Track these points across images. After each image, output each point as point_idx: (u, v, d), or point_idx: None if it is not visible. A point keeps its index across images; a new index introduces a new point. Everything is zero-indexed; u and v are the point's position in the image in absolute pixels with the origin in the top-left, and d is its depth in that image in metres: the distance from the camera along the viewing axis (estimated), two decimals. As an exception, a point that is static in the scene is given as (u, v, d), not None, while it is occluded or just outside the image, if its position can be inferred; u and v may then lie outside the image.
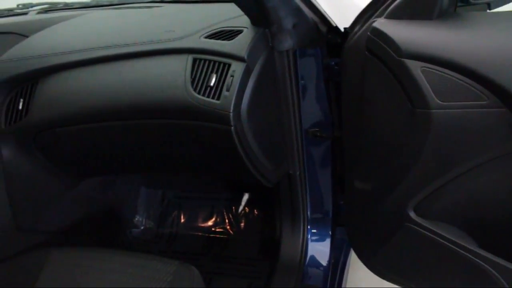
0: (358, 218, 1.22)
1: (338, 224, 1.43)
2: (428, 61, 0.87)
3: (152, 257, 1.19)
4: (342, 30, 1.11)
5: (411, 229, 1.03)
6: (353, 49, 1.04)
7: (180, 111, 1.11)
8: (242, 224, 1.82)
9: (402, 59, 0.88)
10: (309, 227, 1.42)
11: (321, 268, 1.41)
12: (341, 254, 1.49)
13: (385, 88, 0.95)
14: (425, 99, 0.87)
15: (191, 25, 1.22)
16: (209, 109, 1.07)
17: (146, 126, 1.20)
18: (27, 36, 1.40)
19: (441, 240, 1.01)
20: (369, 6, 1.03)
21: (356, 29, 1.05)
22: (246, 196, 1.82)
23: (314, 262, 1.42)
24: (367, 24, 1.01)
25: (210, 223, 1.86)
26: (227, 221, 1.84)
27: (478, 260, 0.98)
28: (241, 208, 1.82)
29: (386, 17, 0.96)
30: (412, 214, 1.02)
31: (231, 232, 1.83)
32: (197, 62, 1.12)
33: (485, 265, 0.97)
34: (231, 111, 1.05)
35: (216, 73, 1.09)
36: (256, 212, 1.82)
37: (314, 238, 1.42)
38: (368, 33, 0.95)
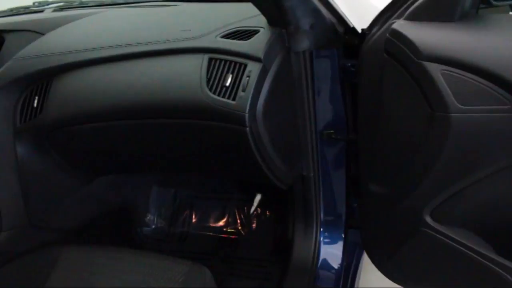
0: (372, 222, 1.21)
1: (351, 227, 1.42)
2: (449, 63, 0.85)
3: (164, 257, 1.19)
4: (360, 31, 1.10)
5: (427, 234, 1.02)
6: (371, 50, 1.03)
7: (195, 111, 1.10)
8: (254, 225, 1.81)
9: (422, 62, 0.87)
10: (321, 229, 1.41)
11: (333, 271, 1.40)
12: (353, 257, 1.47)
13: (404, 91, 0.93)
14: (445, 102, 0.85)
15: (207, 24, 1.21)
16: (225, 109, 1.06)
17: (160, 126, 1.19)
18: (42, 34, 1.41)
19: (458, 246, 0.99)
20: (387, 7, 1.02)
21: (374, 30, 1.04)
22: (258, 197, 1.81)
23: (326, 264, 1.40)
24: (385, 26, 1.00)
25: (221, 223, 1.85)
26: (238, 221, 1.83)
27: (495, 267, 0.96)
28: (253, 209, 1.81)
29: (406, 19, 0.95)
30: (428, 219, 1.00)
31: (242, 232, 1.82)
32: (213, 62, 1.11)
33: (503, 272, 0.96)
34: (247, 111, 1.04)
35: (232, 73, 1.08)
36: (268, 213, 1.81)
37: (326, 240, 1.41)
38: (387, 34, 0.94)
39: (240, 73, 1.07)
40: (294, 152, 1.27)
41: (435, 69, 0.86)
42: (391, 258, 1.16)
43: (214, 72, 1.10)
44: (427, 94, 0.88)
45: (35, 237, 1.41)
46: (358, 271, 1.48)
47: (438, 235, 1.00)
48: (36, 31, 1.42)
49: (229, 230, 1.84)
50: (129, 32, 1.30)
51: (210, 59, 1.11)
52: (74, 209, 1.53)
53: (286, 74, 1.15)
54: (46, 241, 1.43)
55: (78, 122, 1.26)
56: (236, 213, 1.84)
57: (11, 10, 1.73)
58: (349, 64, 1.16)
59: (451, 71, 0.85)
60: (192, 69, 1.12)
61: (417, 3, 0.94)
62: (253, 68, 1.06)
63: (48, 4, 1.71)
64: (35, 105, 1.29)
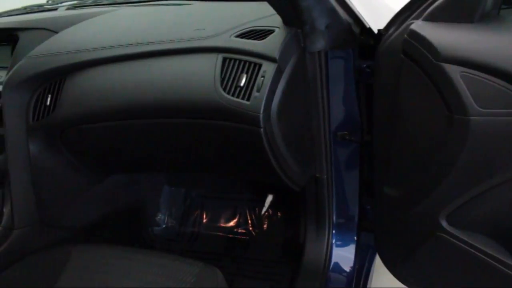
0: (386, 225, 1.19)
1: (363, 229, 1.41)
2: (468, 65, 0.83)
3: (175, 258, 1.18)
4: (376, 31, 1.09)
5: (443, 238, 1.00)
6: (387, 51, 1.02)
7: (208, 111, 1.09)
8: (265, 226, 1.80)
9: (441, 63, 0.85)
10: (334, 231, 1.40)
11: (345, 274, 1.39)
12: (365, 259, 1.46)
13: (421, 93, 0.92)
14: (464, 105, 0.84)
15: (221, 23, 1.20)
16: (238, 109, 1.05)
17: (173, 126, 1.18)
18: (56, 32, 1.41)
19: (474, 251, 0.98)
20: (405, 8, 1.00)
21: (391, 31, 1.03)
22: (269, 198, 1.80)
23: (338, 267, 1.39)
24: (403, 26, 0.99)
25: (232, 223, 1.85)
26: (249, 222, 1.83)
27: None
28: (264, 209, 1.80)
29: (424, 20, 0.93)
30: (444, 223, 0.99)
31: (253, 233, 1.81)
32: (227, 62, 1.10)
33: None
34: (261, 112, 1.03)
35: (247, 73, 1.07)
36: (279, 214, 1.80)
37: (338, 243, 1.40)
38: (405, 35, 0.92)
39: (255, 73, 1.06)
40: (307, 153, 1.25)
41: (454, 71, 0.84)
42: (405, 262, 1.14)
43: (228, 72, 1.09)
44: (446, 96, 0.86)
45: (47, 235, 1.41)
46: (370, 274, 1.46)
47: (454, 240, 0.99)
48: (50, 29, 1.42)
49: (239, 230, 1.83)
50: (143, 31, 1.30)
51: (224, 59, 1.10)
52: (85, 207, 1.53)
53: (300, 75, 1.14)
54: (57, 240, 1.44)
55: (90, 121, 1.26)
56: (247, 213, 1.83)
57: (25, 8, 1.74)
58: (364, 65, 1.15)
59: (471, 73, 0.83)
60: (206, 69, 1.11)
61: (436, 4, 0.92)
62: (268, 68, 1.05)
63: (61, 2, 1.71)
64: (48, 103, 1.29)
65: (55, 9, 1.63)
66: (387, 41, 1.02)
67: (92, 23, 1.45)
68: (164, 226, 1.90)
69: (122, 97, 1.20)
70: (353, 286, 1.39)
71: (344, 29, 1.10)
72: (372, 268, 1.47)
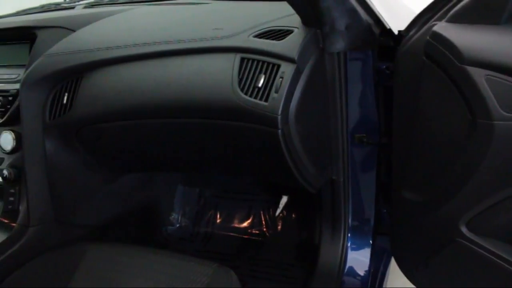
0: (403, 229, 1.17)
1: (379, 233, 1.39)
2: (494, 69, 0.81)
3: (189, 258, 1.18)
4: (396, 33, 1.07)
5: (462, 245, 0.98)
6: (408, 53, 1.00)
7: (225, 112, 1.08)
8: (279, 227, 1.79)
9: (464, 66, 0.83)
10: (349, 234, 1.38)
11: (359, 278, 1.38)
12: (380, 263, 1.44)
13: (443, 96, 0.90)
14: (488, 109, 0.82)
15: (239, 23, 1.19)
16: (256, 110, 1.04)
17: (190, 125, 1.18)
18: (73, 31, 1.41)
19: (495, 259, 0.95)
20: (427, 9, 0.99)
21: (412, 32, 1.01)
22: (284, 199, 1.79)
23: (353, 271, 1.38)
24: (424, 28, 0.97)
25: (246, 224, 1.84)
26: (264, 223, 1.82)
27: None
28: (278, 211, 1.79)
29: (447, 21, 0.91)
30: (464, 229, 0.97)
31: (267, 234, 1.80)
32: (245, 62, 1.09)
33: None
34: (279, 113, 1.02)
35: (265, 73, 1.06)
36: (294, 216, 1.79)
37: (354, 246, 1.39)
38: (427, 37, 0.90)
39: (273, 73, 1.05)
40: (324, 155, 1.24)
41: (478, 74, 0.82)
42: (422, 267, 1.12)
43: (246, 72, 1.08)
44: (469, 100, 0.84)
45: (61, 233, 1.42)
46: (385, 278, 1.45)
47: (474, 246, 0.97)
48: (67, 28, 1.43)
49: (253, 231, 1.82)
50: (160, 30, 1.29)
51: (242, 59, 1.09)
52: (99, 206, 1.54)
53: (319, 76, 1.12)
54: (72, 237, 1.44)
55: (106, 120, 1.26)
56: (262, 214, 1.83)
57: (43, 6, 1.74)
58: (384, 66, 1.13)
59: (496, 77, 0.81)
60: (223, 69, 1.10)
61: (460, 5, 0.90)
62: (287, 69, 1.04)
63: (79, 1, 1.72)
64: (64, 101, 1.29)
65: (72, 8, 1.64)
66: (408, 42, 1.00)
67: (109, 21, 1.45)
68: (178, 225, 1.90)
69: (138, 96, 1.20)
70: None
71: (364, 30, 1.08)
72: (387, 272, 1.46)
